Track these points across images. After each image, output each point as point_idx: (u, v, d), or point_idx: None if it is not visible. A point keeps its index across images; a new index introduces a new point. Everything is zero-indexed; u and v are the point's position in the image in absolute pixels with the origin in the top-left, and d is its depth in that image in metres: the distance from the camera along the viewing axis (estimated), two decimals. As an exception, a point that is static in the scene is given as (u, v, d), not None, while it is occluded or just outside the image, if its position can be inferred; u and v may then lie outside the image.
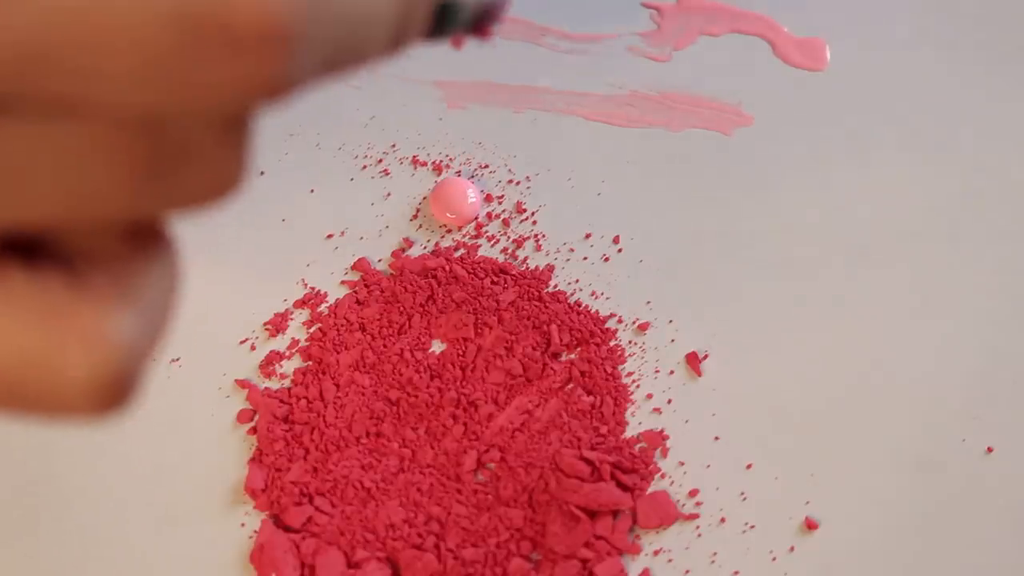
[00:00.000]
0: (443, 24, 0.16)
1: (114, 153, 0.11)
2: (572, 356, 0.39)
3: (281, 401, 0.38)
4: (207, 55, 0.10)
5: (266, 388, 0.39)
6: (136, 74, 0.10)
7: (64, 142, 0.11)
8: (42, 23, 0.09)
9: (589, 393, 0.38)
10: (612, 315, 0.40)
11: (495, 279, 0.41)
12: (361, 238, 0.43)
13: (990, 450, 0.36)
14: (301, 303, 0.41)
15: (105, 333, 0.11)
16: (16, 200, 0.11)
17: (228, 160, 0.12)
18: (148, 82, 0.10)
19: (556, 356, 0.39)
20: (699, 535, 0.35)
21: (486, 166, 0.45)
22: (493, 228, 0.43)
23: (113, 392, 0.12)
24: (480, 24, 0.18)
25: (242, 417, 0.38)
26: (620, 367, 0.39)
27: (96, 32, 0.09)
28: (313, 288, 0.41)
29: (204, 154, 0.12)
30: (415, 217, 0.44)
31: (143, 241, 0.13)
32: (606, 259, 0.42)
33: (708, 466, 0.36)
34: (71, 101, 0.10)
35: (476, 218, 0.43)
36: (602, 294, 0.41)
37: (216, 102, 0.10)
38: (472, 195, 0.43)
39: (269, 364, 0.39)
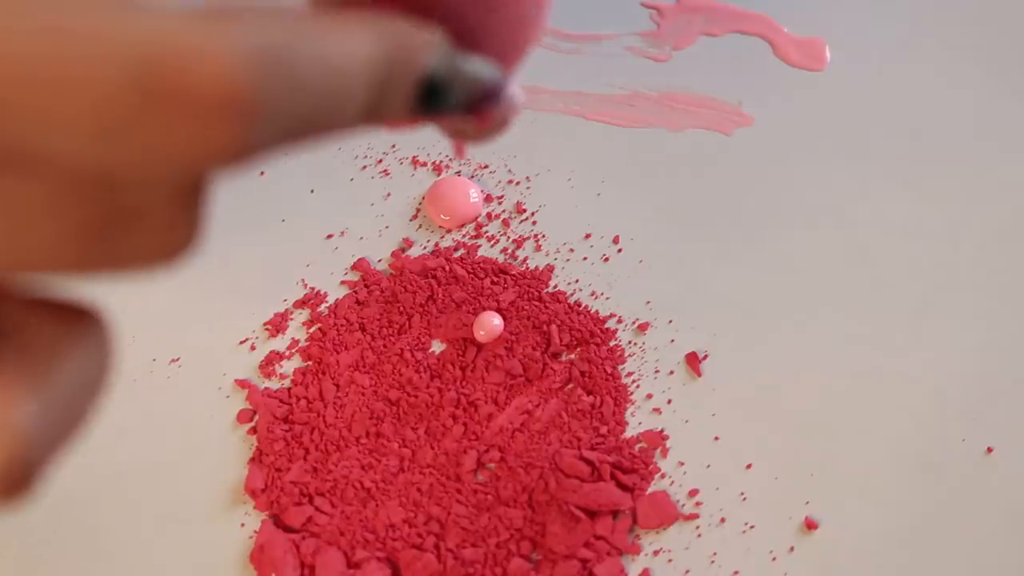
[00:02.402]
0: (432, 103, 0.15)
1: (64, 210, 0.10)
2: (572, 356, 0.39)
3: (281, 401, 0.38)
4: (164, 118, 0.10)
5: (266, 388, 0.39)
6: (92, 132, 0.10)
7: (13, 195, 0.10)
8: None
9: (589, 393, 0.38)
10: (612, 315, 0.40)
11: (495, 279, 0.41)
12: (361, 238, 0.43)
13: (990, 450, 0.36)
14: (301, 303, 0.41)
15: (6, 421, 0.11)
16: None
17: (180, 224, 0.12)
18: (103, 141, 0.10)
19: (556, 356, 0.39)
20: (699, 535, 0.35)
21: (486, 166, 0.45)
22: (493, 228, 0.43)
23: (10, 483, 0.11)
24: (477, 105, 0.16)
25: (242, 417, 0.38)
26: (620, 367, 0.39)
27: (54, 87, 0.09)
28: (313, 288, 0.41)
29: (156, 217, 0.11)
30: (415, 217, 0.44)
31: (67, 321, 0.12)
32: (606, 259, 0.42)
33: (708, 466, 0.36)
34: (24, 155, 0.10)
35: (477, 218, 0.43)
36: (602, 294, 0.41)
37: (171, 166, 0.10)
38: (474, 195, 0.43)
39: (269, 364, 0.39)
